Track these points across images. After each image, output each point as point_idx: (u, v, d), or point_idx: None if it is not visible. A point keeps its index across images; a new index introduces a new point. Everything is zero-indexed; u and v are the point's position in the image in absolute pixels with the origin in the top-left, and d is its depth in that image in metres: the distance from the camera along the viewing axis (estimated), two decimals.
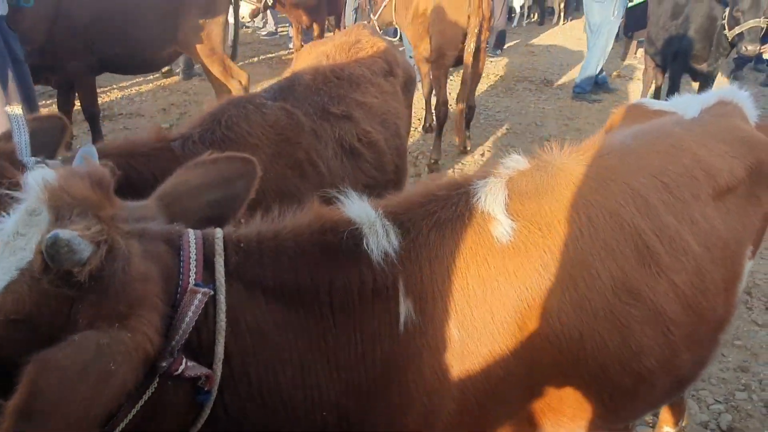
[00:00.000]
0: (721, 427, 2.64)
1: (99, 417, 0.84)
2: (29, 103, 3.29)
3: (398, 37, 6.27)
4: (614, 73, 8.30)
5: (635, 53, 9.08)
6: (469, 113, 5.34)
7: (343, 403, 1.16)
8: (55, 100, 4.86)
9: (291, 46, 8.70)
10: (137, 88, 7.16)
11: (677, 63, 5.81)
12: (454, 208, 1.24)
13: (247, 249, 1.12)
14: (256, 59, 8.72)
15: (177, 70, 7.43)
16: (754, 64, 8.19)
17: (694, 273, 1.39)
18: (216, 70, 5.05)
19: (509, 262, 1.21)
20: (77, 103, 4.77)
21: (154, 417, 0.99)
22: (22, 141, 1.44)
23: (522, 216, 1.26)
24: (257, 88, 3.17)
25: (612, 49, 7.49)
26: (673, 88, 5.77)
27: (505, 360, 1.20)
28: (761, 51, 5.09)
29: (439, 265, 1.19)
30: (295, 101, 2.06)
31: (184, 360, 0.97)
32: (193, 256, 1.03)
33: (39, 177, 0.93)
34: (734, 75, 8.07)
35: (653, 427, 2.57)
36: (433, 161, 5.22)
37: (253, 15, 6.84)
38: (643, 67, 7.09)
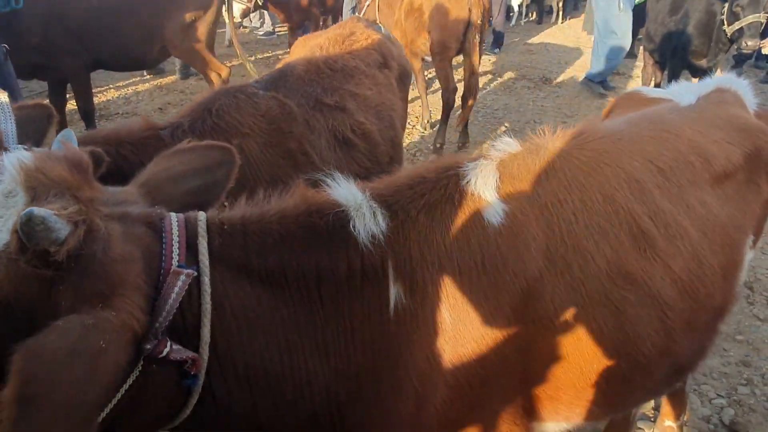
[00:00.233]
0: (724, 421, 2.61)
1: (99, 400, 0.82)
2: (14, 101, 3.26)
3: None
4: (612, 72, 8.28)
5: (634, 50, 9.05)
6: (470, 102, 5.46)
7: (332, 388, 1.15)
8: (47, 100, 4.85)
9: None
10: (134, 87, 7.17)
11: (676, 59, 5.79)
12: (443, 191, 1.22)
13: (231, 231, 1.10)
14: (253, 59, 8.72)
15: (168, 69, 7.45)
16: (754, 61, 8.17)
17: (691, 258, 1.37)
18: (198, 67, 5.07)
19: (501, 245, 1.19)
20: (73, 103, 4.78)
21: (141, 401, 0.97)
22: (8, 128, 1.42)
23: (514, 199, 1.24)
24: None
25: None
26: None
27: (498, 344, 1.18)
28: (761, 46, 5.07)
29: (429, 248, 1.17)
30: (287, 91, 2.05)
31: (168, 342, 0.95)
32: (175, 238, 1.01)
33: (14, 159, 0.91)
34: (734, 72, 8.04)
35: (654, 420, 2.55)
36: (438, 145, 5.35)
37: (244, 15, 6.87)
38: (641, 64, 7.07)
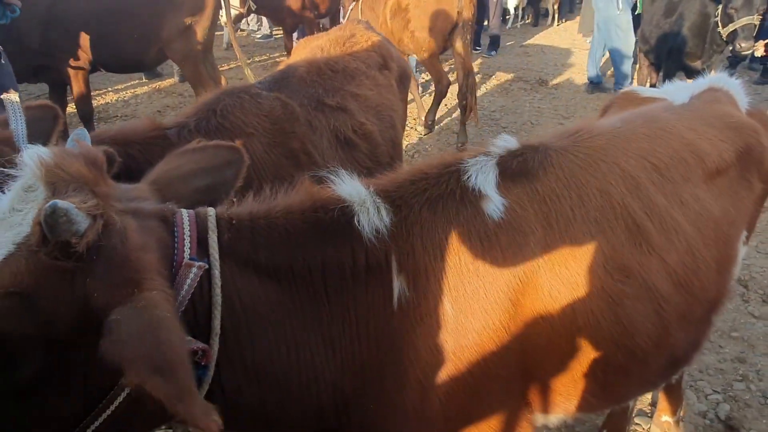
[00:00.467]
0: (720, 416, 2.65)
1: (184, 345, 0.90)
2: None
3: None
4: (608, 72, 8.34)
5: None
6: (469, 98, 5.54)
7: (338, 380, 1.17)
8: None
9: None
10: (132, 90, 7.19)
11: (671, 60, 5.84)
12: (445, 186, 1.25)
13: (239, 227, 1.13)
14: (251, 62, 8.75)
15: (166, 72, 7.47)
16: (748, 62, 8.23)
17: (686, 252, 1.40)
18: (188, 72, 5.08)
19: (501, 239, 1.22)
20: (73, 105, 4.81)
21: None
22: (18, 128, 1.45)
23: (513, 194, 1.27)
24: None
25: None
26: None
27: (498, 336, 1.21)
28: (755, 48, 5.10)
29: (432, 242, 1.20)
30: (290, 92, 2.08)
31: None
32: (186, 232, 1.04)
33: (34, 155, 0.94)
34: (728, 73, 8.10)
35: (651, 416, 2.58)
36: (461, 144, 5.53)
37: (237, 20, 6.91)
38: (637, 65, 7.13)
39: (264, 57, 9.07)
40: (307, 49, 2.56)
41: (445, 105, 6.90)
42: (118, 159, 1.21)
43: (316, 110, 2.10)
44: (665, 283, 1.35)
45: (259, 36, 10.34)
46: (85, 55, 4.55)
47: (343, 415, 1.21)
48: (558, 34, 11.50)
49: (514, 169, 1.31)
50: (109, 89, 7.18)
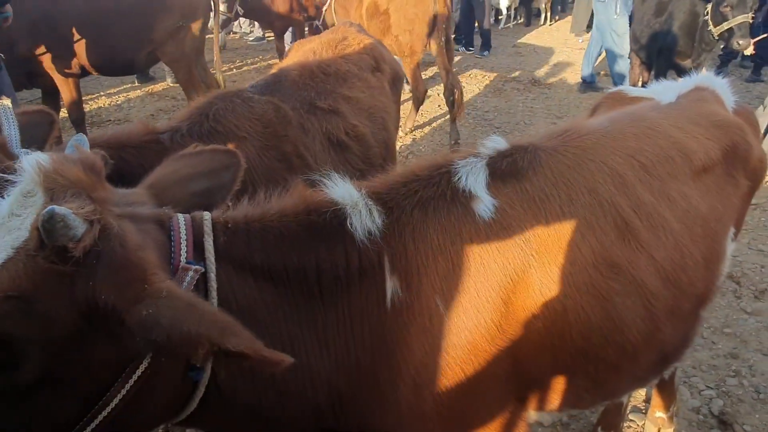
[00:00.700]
0: (713, 412, 2.67)
1: (221, 312, 0.95)
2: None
3: None
4: (602, 72, 8.40)
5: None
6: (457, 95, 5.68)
7: (333, 380, 1.19)
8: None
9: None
10: (125, 94, 7.18)
11: (662, 59, 5.89)
12: (436, 187, 1.27)
13: (234, 230, 1.14)
14: (244, 65, 8.76)
15: (158, 75, 7.46)
16: (740, 60, 8.31)
17: (674, 248, 1.42)
18: (180, 75, 5.08)
19: (492, 238, 1.24)
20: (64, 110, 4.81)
21: (148, 393, 1.00)
22: (12, 133, 1.45)
23: (503, 194, 1.29)
24: None
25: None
26: None
27: (491, 334, 1.23)
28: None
29: (423, 242, 1.21)
30: (282, 96, 2.09)
31: None
32: (183, 236, 1.06)
33: (33, 160, 0.95)
34: (719, 71, 8.18)
35: (646, 412, 2.60)
36: (453, 142, 5.65)
37: (225, 24, 6.94)
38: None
39: (257, 59, 9.08)
40: (299, 52, 2.57)
41: (438, 106, 6.93)
42: (110, 161, 1.22)
43: (308, 113, 2.11)
44: (654, 279, 1.38)
45: (251, 39, 10.35)
46: (75, 58, 4.55)
47: (340, 414, 1.23)
48: (550, 34, 11.56)
49: (504, 170, 1.33)
50: (102, 93, 7.17)
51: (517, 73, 8.34)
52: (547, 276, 1.27)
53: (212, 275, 1.06)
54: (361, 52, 2.54)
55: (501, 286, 1.23)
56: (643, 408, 2.70)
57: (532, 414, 1.46)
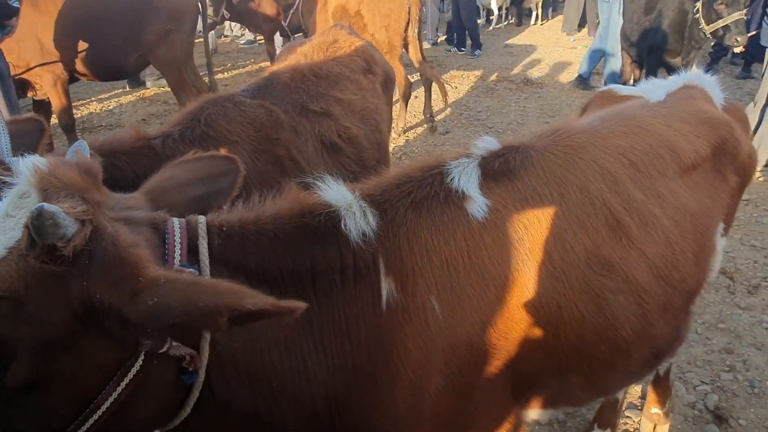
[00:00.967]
0: (708, 407, 2.69)
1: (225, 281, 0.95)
2: (15, 113, 3.34)
3: None
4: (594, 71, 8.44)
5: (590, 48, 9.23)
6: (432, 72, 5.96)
7: (330, 382, 1.19)
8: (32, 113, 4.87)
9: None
10: (116, 99, 7.15)
11: (652, 57, 5.93)
12: (429, 188, 1.28)
13: (229, 233, 1.14)
14: (235, 68, 8.75)
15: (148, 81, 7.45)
16: (730, 57, 8.37)
17: (664, 245, 1.44)
18: (170, 79, 5.07)
19: (486, 238, 1.25)
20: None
21: (141, 398, 1.00)
22: (2, 142, 1.45)
23: (496, 194, 1.30)
24: None
25: (588, 47, 7.70)
26: None
27: (486, 333, 1.24)
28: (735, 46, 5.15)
29: (418, 243, 1.22)
30: (274, 99, 2.09)
31: (168, 339, 0.99)
32: (177, 239, 1.06)
33: (30, 163, 0.95)
34: (710, 68, 8.24)
35: (641, 409, 2.61)
36: (428, 116, 6.01)
37: (211, 28, 6.94)
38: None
39: (248, 63, 9.07)
40: (290, 55, 2.57)
41: (433, 107, 6.94)
42: (97, 156, 1.22)
43: (300, 116, 2.11)
44: (645, 275, 1.39)
45: (242, 42, 10.34)
46: (63, 65, 4.54)
47: (337, 416, 1.23)
48: (542, 34, 11.62)
49: (496, 170, 1.34)
50: (93, 99, 7.14)
51: (509, 73, 8.37)
52: (540, 274, 1.28)
53: (206, 277, 1.06)
54: (353, 55, 2.54)
55: (495, 285, 1.24)
56: (638, 404, 2.72)
57: (528, 412, 1.47)
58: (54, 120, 5.16)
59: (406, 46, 5.64)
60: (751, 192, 4.67)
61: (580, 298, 1.31)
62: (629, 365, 1.48)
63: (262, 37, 10.15)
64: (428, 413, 1.25)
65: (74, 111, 5.55)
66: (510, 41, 10.80)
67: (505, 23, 12.72)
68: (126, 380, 0.96)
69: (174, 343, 1.00)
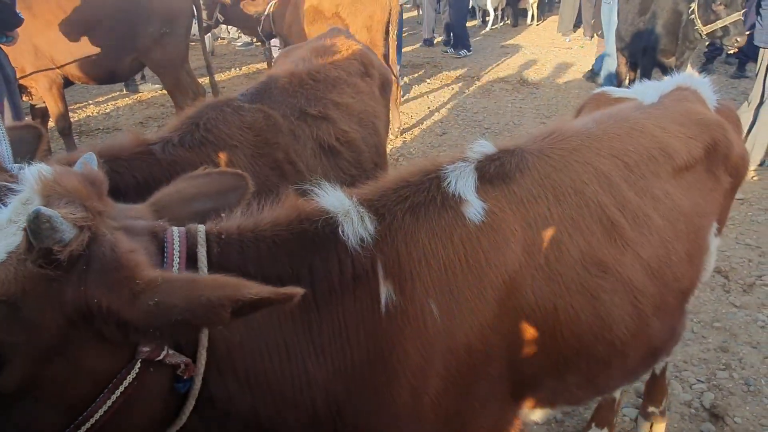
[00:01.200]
0: (704, 405, 2.71)
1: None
2: (19, 118, 3.38)
3: None
4: (587, 71, 8.48)
5: (603, 50, 9.27)
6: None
7: (330, 386, 1.20)
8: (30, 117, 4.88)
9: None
10: (113, 102, 7.15)
11: (646, 58, 5.95)
12: (426, 192, 1.29)
13: (228, 241, 1.15)
14: (232, 70, 8.75)
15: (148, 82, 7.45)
16: (725, 57, 8.42)
17: (659, 245, 1.46)
18: (167, 82, 5.08)
19: (483, 241, 1.26)
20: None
21: (135, 405, 1.01)
22: (3, 149, 1.46)
23: (492, 197, 1.31)
24: None
25: (583, 48, 7.73)
26: None
27: (484, 335, 1.25)
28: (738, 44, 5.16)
29: (416, 247, 1.23)
30: (272, 103, 2.11)
31: (165, 347, 1.00)
32: (176, 247, 1.07)
33: (35, 170, 0.97)
34: (705, 68, 8.28)
35: (638, 407, 2.63)
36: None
37: (206, 31, 6.95)
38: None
39: (246, 65, 9.07)
40: (288, 59, 2.59)
41: (427, 108, 6.97)
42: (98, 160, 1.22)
43: (298, 120, 2.13)
44: (640, 275, 1.41)
45: (239, 44, 10.34)
46: (57, 68, 4.55)
47: (338, 419, 1.24)
48: (537, 34, 11.64)
49: (492, 173, 1.35)
50: (90, 102, 7.14)
51: (505, 74, 8.40)
52: (537, 276, 1.29)
53: None
54: (350, 58, 2.56)
55: (493, 287, 1.25)
56: (635, 403, 2.74)
57: (526, 412, 1.48)
58: (51, 124, 5.17)
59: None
60: (745, 191, 4.70)
61: (576, 299, 1.33)
62: (626, 364, 1.49)
63: (256, 40, 10.19)
64: (428, 415, 1.26)
65: (71, 114, 5.57)
66: (506, 42, 10.83)
67: (501, 24, 12.75)
68: (121, 388, 0.96)
69: (170, 351, 1.00)
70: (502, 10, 12.70)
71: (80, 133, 6.07)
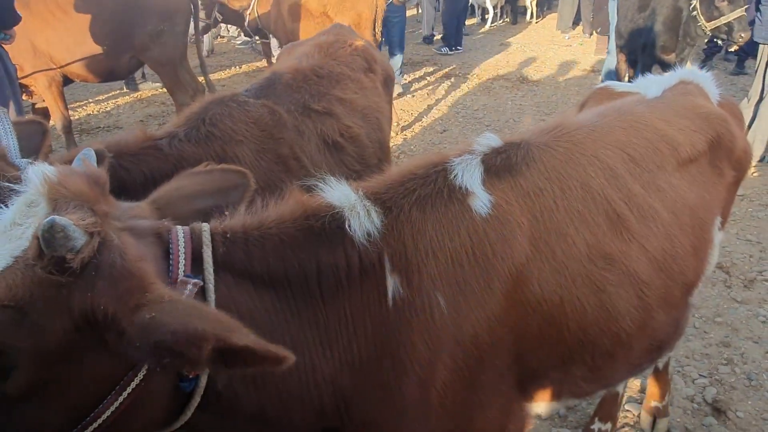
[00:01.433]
0: (707, 400, 2.73)
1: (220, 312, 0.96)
2: (20, 115, 3.38)
3: None
4: (588, 68, 8.48)
5: (607, 48, 9.28)
6: None
7: (337, 381, 1.20)
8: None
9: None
10: (114, 101, 7.14)
11: (646, 55, 5.95)
12: (433, 185, 1.29)
13: (233, 239, 1.15)
14: (232, 68, 8.75)
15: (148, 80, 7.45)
16: (724, 54, 8.42)
17: (664, 238, 1.46)
18: (166, 79, 5.08)
19: (489, 233, 1.26)
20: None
21: (141, 404, 1.01)
22: (10, 143, 1.46)
23: (498, 190, 1.31)
24: None
25: (582, 45, 7.71)
26: None
27: (491, 327, 1.26)
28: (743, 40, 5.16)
29: (423, 240, 1.23)
30: (276, 99, 2.11)
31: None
32: (181, 248, 1.06)
33: (39, 172, 0.96)
34: (704, 65, 8.29)
35: (641, 402, 2.64)
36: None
37: (204, 31, 6.95)
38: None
39: (246, 63, 9.06)
40: (292, 55, 2.59)
41: (428, 105, 6.97)
42: (108, 155, 1.22)
43: (303, 115, 2.13)
44: (645, 268, 1.41)
45: (239, 42, 10.33)
46: (55, 66, 4.54)
47: (345, 413, 1.24)
48: (537, 32, 11.64)
49: (498, 166, 1.35)
50: (90, 100, 7.13)
51: (505, 71, 8.40)
52: (543, 269, 1.30)
53: (211, 286, 1.06)
54: (353, 54, 2.56)
55: (500, 279, 1.26)
56: (638, 398, 2.75)
57: (533, 405, 1.49)
58: (52, 122, 5.17)
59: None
60: (745, 187, 4.71)
61: (582, 292, 1.33)
62: (631, 357, 1.50)
63: (258, 38, 10.17)
64: (435, 407, 1.26)
65: (72, 113, 5.57)
66: (505, 39, 10.82)
67: (500, 22, 12.74)
68: (128, 390, 0.96)
69: None
70: (501, 7, 12.70)
71: (80, 131, 6.07)
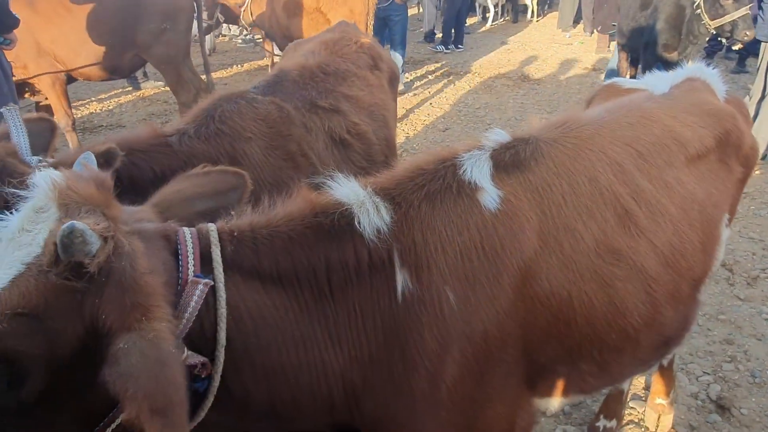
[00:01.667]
0: (711, 397, 2.73)
1: (185, 393, 0.90)
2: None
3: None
4: (588, 66, 8.48)
5: (608, 47, 9.28)
6: None
7: (347, 376, 1.20)
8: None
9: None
10: (116, 99, 7.15)
11: (648, 53, 5.94)
12: (442, 180, 1.29)
13: (241, 239, 1.15)
14: (234, 67, 8.75)
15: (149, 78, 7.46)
16: (725, 52, 8.42)
17: (672, 234, 1.47)
18: (168, 77, 5.08)
19: (498, 228, 1.27)
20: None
21: None
22: (21, 141, 1.47)
23: (507, 185, 1.32)
24: None
25: (583, 44, 7.71)
26: None
27: (500, 322, 1.26)
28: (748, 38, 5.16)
29: (432, 235, 1.24)
30: (284, 96, 2.12)
31: (185, 349, 0.99)
32: (190, 249, 1.07)
33: (47, 177, 0.95)
34: (706, 63, 8.27)
35: (646, 400, 2.65)
36: None
37: (207, 31, 6.96)
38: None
39: (247, 61, 9.07)
40: (297, 52, 2.59)
41: (429, 104, 6.97)
42: (121, 154, 1.21)
43: (310, 112, 2.14)
44: (654, 263, 1.42)
45: (240, 41, 10.34)
46: (59, 64, 4.55)
47: (355, 408, 1.24)
48: (538, 30, 11.65)
49: (507, 161, 1.36)
50: (93, 99, 7.14)
51: (506, 70, 8.40)
52: (552, 264, 1.30)
53: (221, 285, 1.07)
54: (359, 51, 2.57)
55: (509, 274, 1.26)
56: (643, 395, 2.75)
57: (541, 401, 1.49)
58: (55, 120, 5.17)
59: None
60: (748, 185, 4.68)
61: (590, 287, 1.34)
62: (639, 352, 1.50)
63: (260, 36, 10.18)
64: (444, 402, 1.26)
65: (75, 111, 5.57)
66: (506, 38, 10.83)
67: (501, 20, 12.74)
68: None
69: (189, 353, 1.00)
70: (502, 6, 12.70)
71: (83, 130, 6.08)
